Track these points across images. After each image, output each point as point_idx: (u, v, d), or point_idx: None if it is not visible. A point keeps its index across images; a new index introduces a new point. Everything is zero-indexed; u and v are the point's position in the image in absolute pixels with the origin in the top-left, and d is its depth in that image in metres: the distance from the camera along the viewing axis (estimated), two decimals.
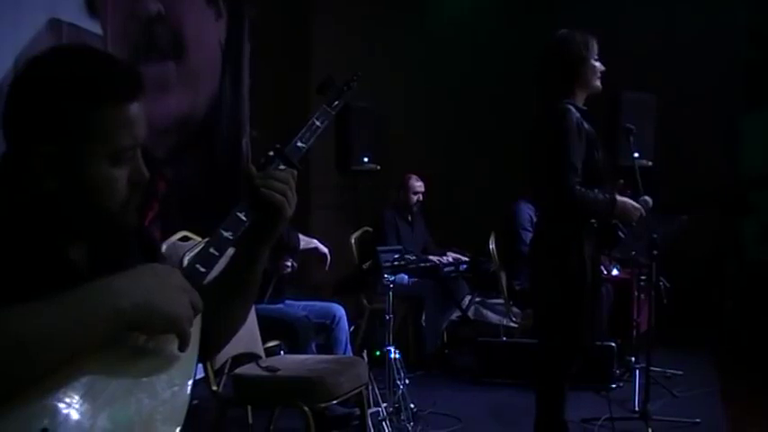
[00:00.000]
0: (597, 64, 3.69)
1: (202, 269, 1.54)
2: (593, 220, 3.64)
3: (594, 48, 3.70)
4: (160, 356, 1.44)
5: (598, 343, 5.64)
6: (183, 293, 1.41)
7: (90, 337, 1.32)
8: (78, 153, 1.43)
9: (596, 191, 3.56)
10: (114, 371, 1.38)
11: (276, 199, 1.60)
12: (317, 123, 1.74)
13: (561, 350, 3.71)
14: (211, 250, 1.55)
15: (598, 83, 3.71)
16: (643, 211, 3.72)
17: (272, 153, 1.66)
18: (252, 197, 1.60)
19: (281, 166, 1.65)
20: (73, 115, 1.42)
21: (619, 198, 3.61)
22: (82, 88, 1.43)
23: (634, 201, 3.78)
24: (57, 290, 1.31)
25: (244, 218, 1.59)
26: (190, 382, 1.46)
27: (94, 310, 1.31)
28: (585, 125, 3.59)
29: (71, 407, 1.31)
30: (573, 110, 3.57)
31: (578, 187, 3.49)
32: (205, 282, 1.56)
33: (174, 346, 1.42)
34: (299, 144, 1.70)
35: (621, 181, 3.84)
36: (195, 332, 1.46)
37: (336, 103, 1.80)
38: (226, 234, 1.57)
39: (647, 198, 3.93)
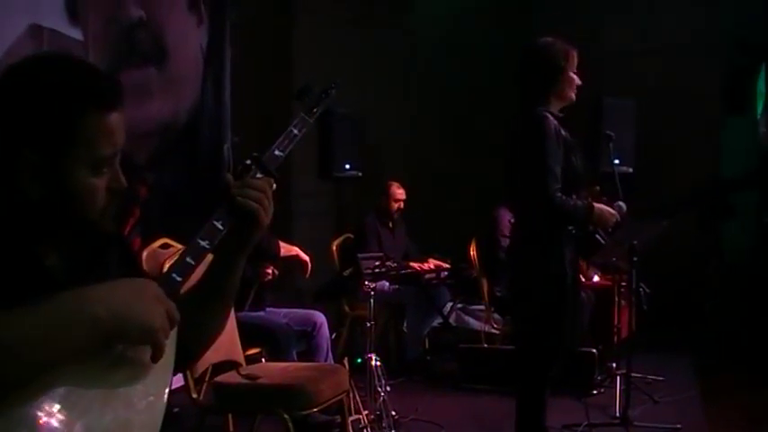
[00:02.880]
0: (575, 77, 3.71)
1: (178, 278, 1.54)
2: (570, 227, 3.65)
3: (574, 59, 3.71)
4: (136, 366, 1.44)
5: (580, 349, 5.69)
6: (158, 304, 1.40)
7: (66, 346, 1.32)
8: (61, 161, 1.44)
9: (574, 198, 3.57)
10: (91, 381, 1.38)
11: (252, 207, 1.60)
12: (295, 131, 1.75)
13: (540, 355, 3.72)
14: (188, 259, 1.55)
15: (573, 95, 3.73)
16: (618, 216, 3.74)
17: (249, 161, 1.66)
18: (228, 206, 1.60)
19: (259, 175, 1.65)
20: (56, 123, 1.43)
21: (596, 205, 3.63)
22: (65, 96, 1.44)
23: (609, 206, 3.80)
24: (32, 297, 1.30)
25: (220, 227, 1.59)
26: (166, 392, 1.47)
27: (70, 318, 1.31)
28: (563, 132, 3.60)
29: (48, 416, 1.32)
30: (550, 117, 3.59)
31: (558, 194, 3.50)
32: (182, 290, 1.57)
33: (149, 356, 1.42)
34: (277, 152, 1.71)
35: (598, 188, 3.86)
36: (171, 342, 1.46)
37: (315, 110, 1.80)
38: (202, 243, 1.57)
39: (621, 204, 3.96)
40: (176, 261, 1.55)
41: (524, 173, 3.63)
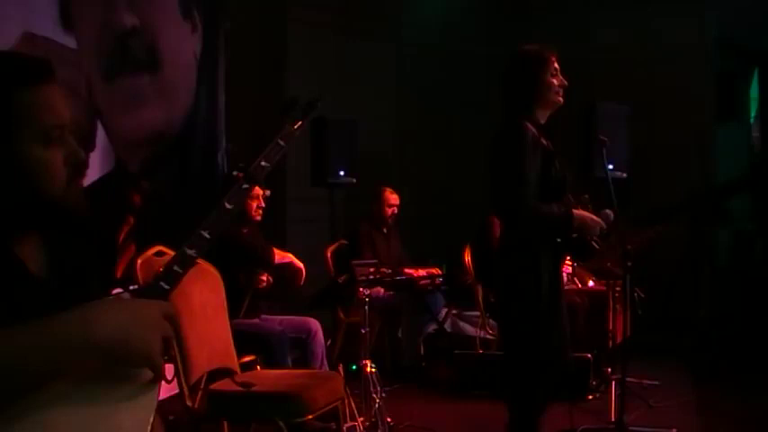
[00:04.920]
0: (555, 80, 3.68)
1: (166, 286, 1.56)
2: (557, 237, 3.65)
3: (551, 64, 3.68)
4: (122, 389, 1.44)
5: (575, 354, 5.69)
6: (158, 329, 1.41)
7: (65, 367, 1.33)
8: (8, 139, 1.46)
9: (553, 205, 3.56)
10: (76, 403, 1.38)
11: None
12: (281, 143, 1.78)
13: (523, 366, 3.71)
14: (175, 268, 1.58)
15: (557, 98, 3.70)
16: (604, 224, 3.73)
17: (235, 172, 1.69)
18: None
19: (245, 185, 1.69)
20: None
21: (576, 212, 3.57)
22: None
23: (596, 214, 3.78)
24: (20, 304, 1.33)
25: (208, 236, 1.62)
26: (151, 417, 1.46)
27: (72, 341, 1.32)
28: (543, 140, 3.59)
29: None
30: (528, 125, 3.56)
31: (533, 202, 3.49)
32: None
33: (137, 377, 1.43)
34: (263, 163, 1.74)
35: (587, 196, 3.84)
36: (152, 401, 1.47)
37: (300, 122, 1.84)
38: (189, 252, 1.60)
39: (608, 212, 3.93)
40: (164, 269, 1.58)
41: (500, 181, 3.62)
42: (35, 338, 1.30)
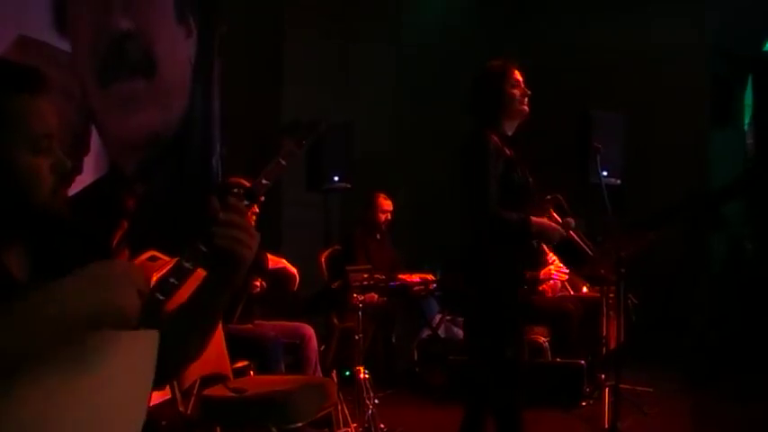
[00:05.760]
0: (516, 91, 3.81)
1: (161, 297, 1.58)
2: (516, 242, 3.73)
3: (512, 76, 3.83)
4: (113, 392, 1.45)
5: (567, 361, 5.71)
6: (128, 285, 1.46)
7: (33, 346, 1.35)
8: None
9: (513, 213, 3.64)
10: (65, 409, 1.39)
11: (233, 249, 1.62)
12: (283, 162, 1.79)
13: (485, 370, 3.77)
14: (171, 279, 1.60)
15: (521, 107, 3.83)
16: (564, 231, 3.79)
17: (235, 190, 1.70)
18: (210, 245, 1.62)
19: (246, 202, 1.69)
20: None
21: (534, 219, 3.69)
22: None
23: (557, 222, 3.89)
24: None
25: (204, 248, 1.62)
26: (145, 396, 1.49)
27: (37, 319, 1.35)
28: (507, 150, 3.70)
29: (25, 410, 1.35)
30: (490, 135, 3.69)
31: (493, 208, 3.60)
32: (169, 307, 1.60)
33: (128, 379, 1.44)
34: (264, 181, 1.75)
35: (548, 197, 3.96)
36: (151, 352, 1.50)
37: (303, 143, 1.85)
38: (186, 264, 1.61)
39: (569, 220, 4.01)
40: (160, 280, 1.59)
41: (462, 189, 3.75)
42: (12, 319, 1.33)
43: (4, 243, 1.53)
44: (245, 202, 1.68)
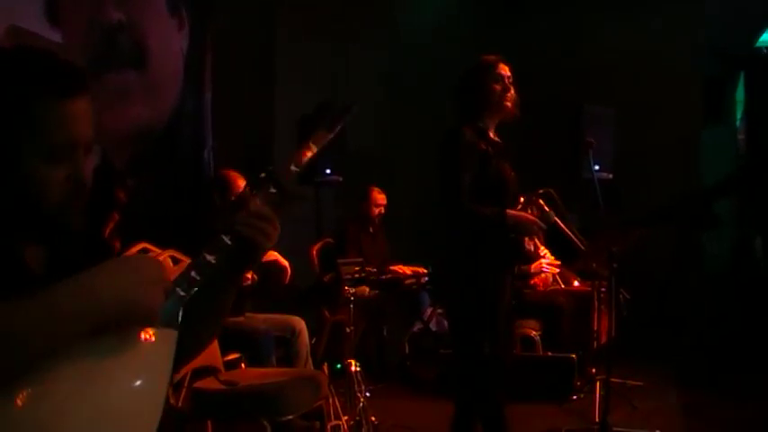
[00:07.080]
0: (497, 86, 3.81)
1: (182, 293, 1.52)
2: (493, 235, 3.73)
3: (496, 70, 3.84)
4: (130, 391, 1.43)
5: (558, 355, 5.71)
6: (158, 285, 1.41)
7: (67, 335, 1.32)
8: (11, 147, 1.42)
9: (487, 207, 3.65)
10: (83, 406, 1.37)
11: (257, 240, 1.61)
12: (314, 148, 1.72)
13: (465, 363, 3.78)
14: (193, 274, 1.54)
15: (504, 103, 3.82)
16: (543, 225, 3.77)
17: (263, 175, 1.65)
18: (234, 234, 1.59)
19: (272, 189, 1.64)
20: (7, 109, 1.42)
21: (509, 212, 3.66)
22: (18, 83, 1.43)
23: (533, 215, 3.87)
24: (10, 292, 1.29)
25: (228, 241, 1.58)
26: (167, 380, 1.48)
27: (72, 309, 1.31)
28: (483, 144, 3.71)
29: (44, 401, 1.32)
30: (465, 130, 3.71)
31: (466, 202, 3.61)
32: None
33: (146, 378, 1.43)
34: (292, 167, 1.68)
35: (540, 191, 3.96)
36: (166, 369, 1.49)
37: (335, 127, 1.76)
38: (209, 258, 1.55)
39: (549, 212, 3.99)
40: (181, 275, 1.54)
41: (440, 183, 3.75)
42: (41, 310, 1.29)
43: (21, 240, 1.49)
44: (272, 191, 1.64)
